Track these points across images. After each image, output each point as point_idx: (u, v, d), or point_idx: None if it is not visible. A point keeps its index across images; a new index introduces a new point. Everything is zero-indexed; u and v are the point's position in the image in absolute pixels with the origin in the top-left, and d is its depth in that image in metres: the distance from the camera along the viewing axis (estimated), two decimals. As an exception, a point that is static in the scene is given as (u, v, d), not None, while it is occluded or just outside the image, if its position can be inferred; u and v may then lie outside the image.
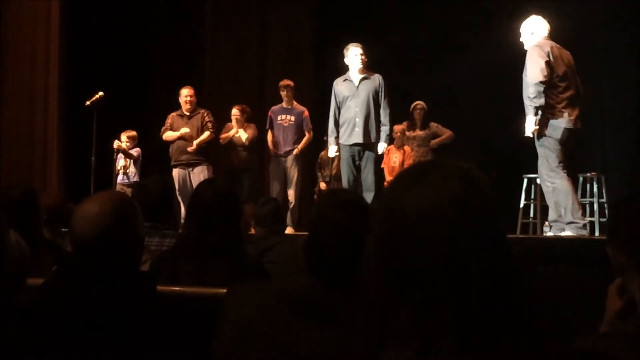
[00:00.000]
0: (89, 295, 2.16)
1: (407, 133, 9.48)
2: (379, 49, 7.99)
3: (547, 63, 6.35)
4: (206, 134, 8.91)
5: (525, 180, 8.42)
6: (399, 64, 9.74)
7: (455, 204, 1.21)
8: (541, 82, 6.32)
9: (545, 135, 6.47)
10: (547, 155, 6.48)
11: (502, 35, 8.80)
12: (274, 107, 9.34)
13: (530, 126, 6.45)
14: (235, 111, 9.16)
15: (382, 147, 7.78)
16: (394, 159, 9.24)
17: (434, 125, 9.63)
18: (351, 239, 1.94)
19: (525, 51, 6.63)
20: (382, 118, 7.73)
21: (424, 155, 9.45)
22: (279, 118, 9.21)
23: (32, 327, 2.14)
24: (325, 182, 9.75)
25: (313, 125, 9.36)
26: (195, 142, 8.83)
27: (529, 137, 6.60)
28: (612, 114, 10.37)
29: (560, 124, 6.43)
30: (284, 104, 9.30)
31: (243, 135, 9.08)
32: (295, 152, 9.15)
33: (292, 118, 9.21)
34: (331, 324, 1.79)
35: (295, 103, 9.32)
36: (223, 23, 11.30)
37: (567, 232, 6.42)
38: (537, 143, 6.55)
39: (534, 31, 6.63)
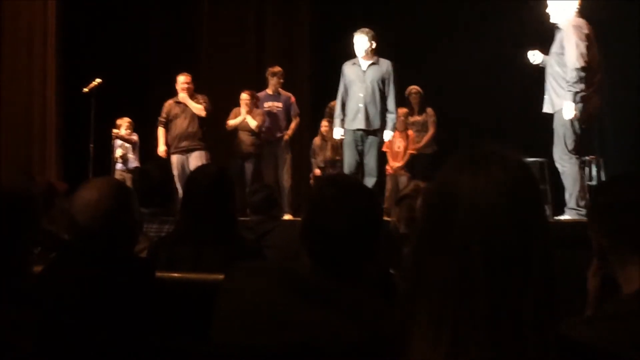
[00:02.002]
0: (89, 281, 2.18)
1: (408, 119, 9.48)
2: (382, 34, 7.90)
3: (587, 48, 6.29)
4: (198, 106, 8.82)
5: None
6: (402, 49, 9.67)
7: (513, 194, 1.28)
8: (583, 68, 6.27)
9: (572, 118, 6.41)
10: (567, 137, 6.43)
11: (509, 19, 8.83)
12: (259, 94, 9.33)
13: (569, 112, 6.33)
14: (245, 96, 9.14)
15: (388, 134, 7.69)
16: (397, 144, 9.23)
17: (430, 111, 9.62)
18: (351, 222, 1.95)
19: (551, 24, 6.57)
20: (388, 105, 7.66)
21: (427, 143, 9.47)
22: (265, 105, 9.22)
23: (33, 313, 2.15)
24: (320, 168, 9.75)
25: (307, 112, 9.37)
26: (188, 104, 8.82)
27: (547, 112, 6.57)
28: (611, 96, 10.36)
29: (588, 108, 6.40)
30: (268, 91, 9.31)
31: (252, 122, 9.06)
32: (285, 137, 9.19)
33: (280, 104, 9.24)
34: (330, 306, 1.80)
35: (280, 89, 9.33)
36: (221, 10, 11.27)
37: (566, 216, 6.42)
38: (558, 122, 6.49)
39: (566, 7, 6.50)
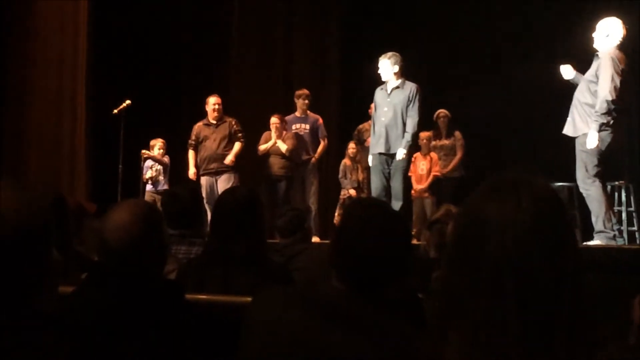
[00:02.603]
0: (119, 304, 2.19)
1: (433, 142, 9.47)
2: (413, 57, 7.92)
3: (622, 83, 6.31)
4: (237, 145, 8.95)
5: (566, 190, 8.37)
6: (431, 72, 9.67)
7: (542, 221, 1.31)
8: (613, 101, 6.28)
9: (595, 147, 6.41)
10: (587, 162, 6.43)
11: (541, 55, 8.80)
12: (287, 117, 9.39)
13: (593, 141, 6.34)
14: (275, 120, 9.20)
15: (400, 152, 7.64)
16: (421, 167, 9.22)
17: (458, 134, 9.61)
18: (379, 244, 1.95)
19: (592, 49, 6.57)
20: (407, 126, 7.65)
21: (454, 167, 9.45)
22: (294, 127, 9.27)
23: (63, 335, 2.16)
24: (354, 188, 9.71)
25: (335, 135, 9.40)
26: (229, 158, 8.87)
27: (566, 135, 6.57)
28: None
29: (609, 135, 6.38)
30: (297, 113, 9.40)
31: (282, 146, 9.11)
32: (313, 160, 9.23)
33: (307, 126, 9.29)
34: (357, 331, 1.79)
35: (308, 112, 9.38)
36: (249, 32, 11.34)
37: (596, 241, 6.37)
38: (579, 148, 6.49)
39: (610, 33, 6.50)
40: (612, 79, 6.30)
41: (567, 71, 6.83)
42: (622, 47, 6.53)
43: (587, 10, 7.51)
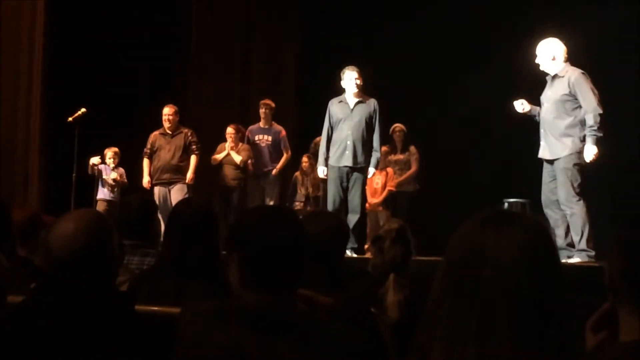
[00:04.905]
0: (67, 315, 2.17)
1: (389, 157, 9.52)
2: (366, 72, 7.95)
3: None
4: (193, 160, 8.94)
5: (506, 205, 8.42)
6: (384, 88, 9.71)
7: (534, 252, 1.45)
8: (602, 114, 6.38)
9: (578, 163, 6.49)
10: (573, 180, 6.48)
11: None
12: (251, 127, 9.43)
13: (592, 155, 6.41)
14: (230, 130, 9.21)
15: (371, 171, 7.80)
16: (376, 181, 9.25)
17: (413, 149, 9.66)
18: (285, 252, 1.98)
19: (539, 71, 6.68)
20: (374, 143, 7.73)
21: (408, 181, 9.50)
22: (256, 138, 9.28)
23: (11, 346, 2.14)
24: (300, 202, 9.74)
25: (291, 145, 9.41)
26: (188, 176, 8.84)
27: (544, 158, 6.65)
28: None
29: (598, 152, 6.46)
30: (261, 124, 9.39)
31: (237, 157, 9.12)
32: (274, 172, 9.24)
33: (270, 138, 9.30)
34: (283, 335, 1.85)
35: (273, 123, 9.38)
36: (208, 42, 11.33)
37: (577, 259, 6.42)
38: (563, 167, 6.54)
39: (556, 55, 6.63)
40: (594, 93, 6.43)
41: (523, 106, 6.83)
42: (569, 61, 6.66)
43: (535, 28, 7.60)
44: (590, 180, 6.64)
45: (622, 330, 1.77)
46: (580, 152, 6.47)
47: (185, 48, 11.20)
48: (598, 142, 6.41)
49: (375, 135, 7.73)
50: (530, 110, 6.82)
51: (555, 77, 6.63)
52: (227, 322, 1.90)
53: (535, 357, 1.38)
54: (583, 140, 6.47)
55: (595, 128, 6.38)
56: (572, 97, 6.50)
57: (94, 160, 9.13)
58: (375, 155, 7.75)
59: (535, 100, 6.81)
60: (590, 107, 6.40)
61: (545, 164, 6.70)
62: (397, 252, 3.82)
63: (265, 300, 1.94)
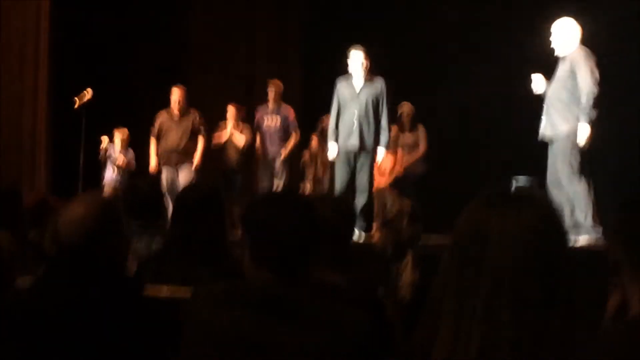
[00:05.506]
0: (76, 298, 2.17)
1: (399, 138, 9.45)
2: (375, 51, 7.89)
3: (599, 75, 6.38)
4: (201, 143, 8.92)
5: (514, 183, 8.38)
6: (394, 67, 9.65)
7: (541, 233, 1.43)
8: (597, 94, 6.34)
9: (576, 141, 6.43)
10: (573, 159, 6.46)
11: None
12: (259, 107, 9.34)
13: (585, 135, 6.36)
14: (232, 109, 9.18)
15: (381, 151, 7.69)
16: (385, 162, 9.21)
17: (421, 127, 9.58)
18: (288, 231, 2.00)
19: (552, 53, 6.62)
20: (382, 123, 7.64)
21: (417, 161, 9.46)
22: (265, 122, 9.20)
23: (21, 328, 2.14)
24: (309, 183, 9.72)
25: (299, 123, 9.36)
26: (195, 160, 8.85)
27: (544, 139, 6.63)
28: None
29: (593, 130, 6.40)
30: (269, 104, 9.28)
31: (240, 139, 9.10)
32: (282, 155, 9.18)
33: (278, 119, 9.22)
34: (285, 317, 1.87)
35: (282, 103, 9.31)
36: (211, 22, 11.30)
37: (585, 237, 6.37)
38: (562, 146, 6.52)
39: (570, 35, 6.57)
40: (592, 72, 6.37)
41: (538, 85, 6.76)
42: (583, 43, 6.59)
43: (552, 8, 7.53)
44: (596, 158, 6.61)
45: (631, 305, 1.80)
46: (577, 132, 6.43)
47: (188, 26, 11.17)
48: (592, 122, 6.35)
49: (382, 115, 7.66)
50: (543, 91, 6.77)
51: (564, 57, 6.60)
52: (232, 304, 1.92)
53: (538, 337, 1.38)
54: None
55: (588, 108, 6.35)
56: (572, 74, 6.46)
57: (104, 143, 9.17)
58: (384, 135, 7.67)
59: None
60: (586, 86, 6.36)
61: (549, 145, 6.67)
62: (415, 230, 3.87)
63: (270, 282, 1.95)
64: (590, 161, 6.56)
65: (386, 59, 8.82)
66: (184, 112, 8.95)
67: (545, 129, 6.65)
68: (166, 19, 10.76)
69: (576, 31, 6.59)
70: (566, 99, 6.52)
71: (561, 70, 6.60)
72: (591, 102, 6.34)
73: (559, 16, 6.74)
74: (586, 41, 6.64)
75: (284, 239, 1.99)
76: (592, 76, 6.36)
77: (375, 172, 9.04)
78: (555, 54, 6.66)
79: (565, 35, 6.60)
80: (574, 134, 6.44)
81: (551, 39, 6.66)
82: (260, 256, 2.00)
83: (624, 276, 1.86)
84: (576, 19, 6.69)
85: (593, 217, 6.42)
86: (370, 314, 1.99)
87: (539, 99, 6.79)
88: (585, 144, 6.40)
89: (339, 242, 3.01)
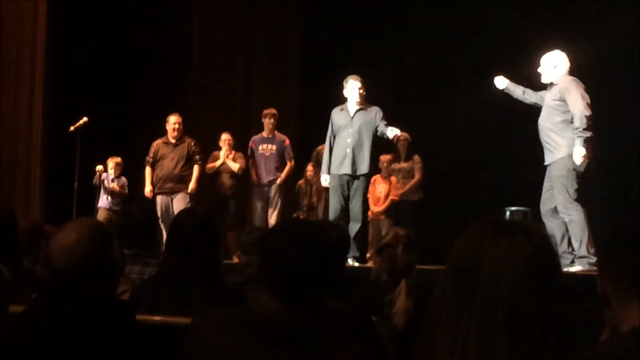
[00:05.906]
0: (68, 325, 2.15)
1: (392, 165, 9.48)
2: (371, 80, 7.94)
3: (590, 99, 6.48)
4: (196, 170, 8.94)
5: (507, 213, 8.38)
6: (389, 97, 9.66)
7: (535, 262, 1.46)
8: (590, 116, 6.42)
9: (571, 167, 6.49)
10: (568, 185, 6.49)
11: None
12: (254, 137, 9.40)
13: (580, 156, 6.41)
14: (225, 136, 9.22)
15: (393, 131, 7.65)
16: (379, 189, 9.22)
17: (417, 157, 9.61)
18: (304, 258, 2.01)
19: (540, 82, 6.77)
20: (386, 132, 7.61)
21: (412, 190, 9.45)
22: (260, 148, 9.25)
23: (12, 355, 2.12)
24: (303, 212, 9.74)
25: (294, 153, 9.40)
26: (190, 185, 8.85)
27: (546, 164, 6.68)
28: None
29: (588, 156, 6.47)
30: (264, 134, 9.35)
31: (234, 165, 9.13)
32: (278, 181, 9.20)
33: (274, 147, 9.26)
34: (289, 345, 1.85)
35: (276, 132, 9.36)
36: (209, 50, 11.35)
37: (578, 267, 6.40)
38: (558, 172, 6.56)
39: (558, 64, 6.71)
40: (584, 96, 6.48)
41: (500, 81, 7.07)
42: (570, 74, 6.72)
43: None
44: (590, 185, 6.65)
45: (620, 325, 1.82)
46: (572, 156, 6.47)
47: (187, 56, 11.21)
48: (587, 144, 6.42)
49: (383, 127, 7.62)
50: (505, 87, 7.03)
51: (551, 84, 6.72)
52: (236, 330, 1.90)
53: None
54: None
55: (581, 129, 6.41)
56: (562, 101, 6.57)
57: (99, 168, 9.18)
58: (390, 129, 7.62)
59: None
60: (577, 110, 6.45)
61: (546, 172, 6.72)
62: (410, 259, 3.87)
63: (277, 310, 1.96)
64: (586, 188, 6.59)
65: (381, 86, 8.87)
66: (179, 140, 8.97)
67: (547, 157, 6.71)
68: (166, 49, 10.77)
69: (564, 61, 6.73)
70: (558, 124, 6.60)
71: (549, 99, 6.71)
72: (584, 124, 6.41)
73: (550, 48, 6.88)
74: (574, 72, 6.77)
75: (304, 268, 2.00)
76: (582, 100, 6.46)
77: (370, 199, 9.05)
78: (543, 81, 6.78)
79: (553, 63, 6.73)
80: (568, 158, 6.48)
81: (539, 70, 6.79)
82: (276, 284, 2.01)
83: (613, 310, 1.88)
84: (565, 51, 6.83)
85: (588, 244, 6.43)
86: (369, 343, 1.99)
87: (535, 129, 6.84)
88: (581, 164, 6.44)
89: (333, 268, 3.01)
